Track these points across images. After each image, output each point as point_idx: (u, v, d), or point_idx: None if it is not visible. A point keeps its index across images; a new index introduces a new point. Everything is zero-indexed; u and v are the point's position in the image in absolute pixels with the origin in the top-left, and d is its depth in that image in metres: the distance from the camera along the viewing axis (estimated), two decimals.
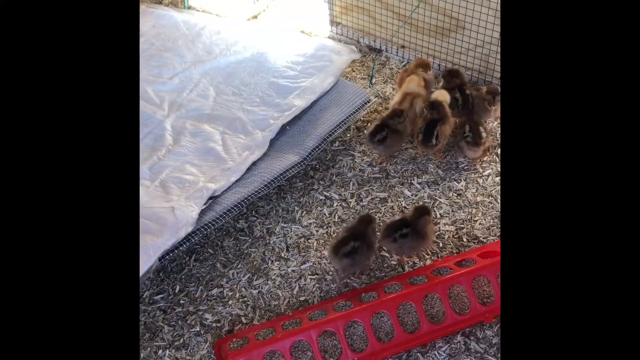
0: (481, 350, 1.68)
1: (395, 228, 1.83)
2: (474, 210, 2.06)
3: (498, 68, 2.48)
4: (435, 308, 1.76)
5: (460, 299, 1.77)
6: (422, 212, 1.84)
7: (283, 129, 2.25)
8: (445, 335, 1.71)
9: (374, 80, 2.59)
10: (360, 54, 2.75)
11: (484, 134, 2.14)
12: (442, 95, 2.23)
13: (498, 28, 2.36)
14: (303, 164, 2.13)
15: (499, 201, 2.08)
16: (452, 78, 2.30)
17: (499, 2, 2.27)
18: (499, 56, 2.44)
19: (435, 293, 1.72)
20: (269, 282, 1.90)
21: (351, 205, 2.12)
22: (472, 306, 1.70)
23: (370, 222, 1.85)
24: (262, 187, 2.00)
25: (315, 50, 2.51)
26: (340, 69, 2.44)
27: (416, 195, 2.13)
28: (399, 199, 2.13)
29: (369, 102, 2.35)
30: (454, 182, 2.17)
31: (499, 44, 2.40)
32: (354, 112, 2.30)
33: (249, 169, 2.07)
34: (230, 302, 1.85)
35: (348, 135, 2.40)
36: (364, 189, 2.18)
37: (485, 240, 1.96)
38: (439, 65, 2.63)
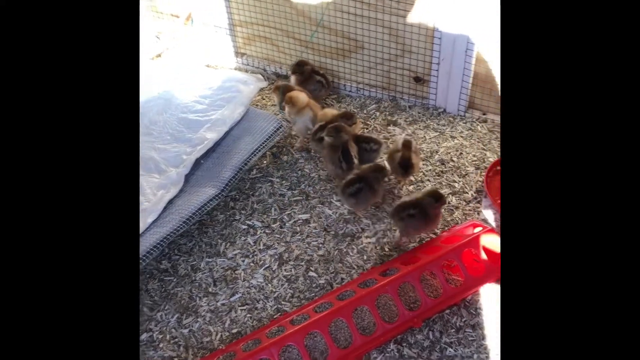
0: (414, 355, 1.73)
1: (404, 208, 1.93)
2: (392, 221, 2.13)
3: (399, 82, 2.60)
4: (365, 320, 1.79)
5: (389, 308, 1.82)
6: (433, 196, 1.94)
7: (197, 164, 2.24)
8: (379, 345, 1.74)
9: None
10: (267, 82, 2.80)
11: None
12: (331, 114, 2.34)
13: (395, 45, 2.48)
14: (221, 196, 2.13)
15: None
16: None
17: (392, 21, 2.39)
18: (398, 71, 2.56)
19: (363, 305, 1.76)
20: (198, 319, 1.87)
21: (275, 231, 2.13)
22: (400, 313, 1.75)
23: (380, 171, 2.08)
24: (182, 224, 1.98)
25: (223, 82, 2.53)
26: (249, 98, 2.46)
27: (337, 213, 2.18)
28: (320, 219, 2.16)
29: (281, 128, 2.39)
30: None
31: (397, 60, 2.52)
32: (268, 139, 2.32)
33: (166, 208, 2.04)
34: (161, 345, 1.80)
35: (265, 162, 2.42)
36: (286, 212, 2.20)
37: (406, 248, 2.03)
38: (344, 84, 2.72)
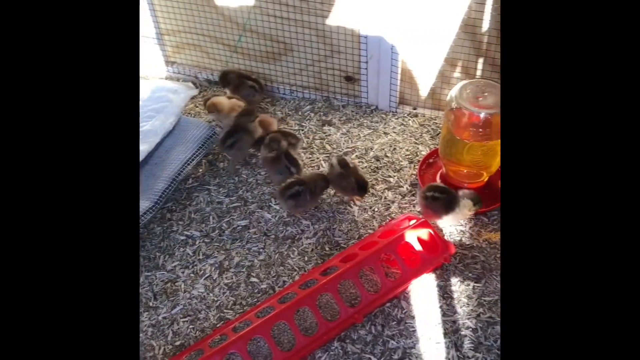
0: (358, 351, 1.75)
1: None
2: (331, 219, 2.15)
3: (331, 82, 2.63)
4: (308, 321, 1.81)
5: (330, 306, 1.83)
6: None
7: None
8: (323, 344, 1.76)
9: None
10: (198, 89, 2.77)
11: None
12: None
13: (323, 46, 2.51)
14: (156, 208, 2.09)
15: (352, 206, 2.19)
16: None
17: (318, 23, 2.42)
18: (329, 72, 2.59)
19: (305, 306, 1.77)
20: (140, 334, 1.84)
21: (214, 239, 2.12)
22: (341, 310, 1.77)
23: (324, 180, 2.14)
24: None
25: (152, 93, 2.48)
26: (180, 107, 2.43)
27: (276, 217, 2.18)
28: (260, 224, 2.16)
29: (214, 135, 2.37)
30: None
31: (326, 61, 2.55)
32: (201, 147, 2.30)
33: None
34: None
35: (200, 170, 2.40)
36: (225, 220, 2.19)
37: (345, 245, 2.05)
38: (278, 87, 2.73)
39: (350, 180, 2.09)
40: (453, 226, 2.07)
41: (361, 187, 2.10)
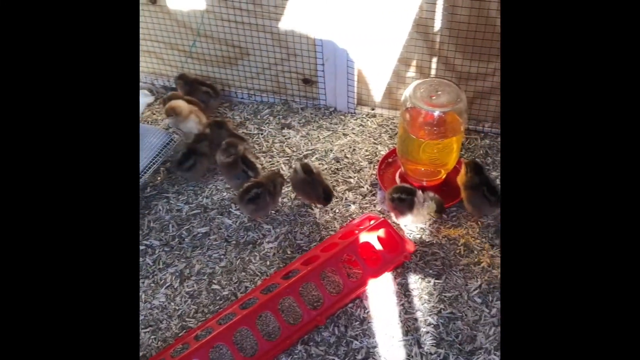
0: (322, 353, 1.75)
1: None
2: (292, 222, 2.15)
3: (289, 85, 2.63)
4: (270, 326, 1.80)
5: (293, 310, 1.83)
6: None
7: None
8: (286, 348, 1.75)
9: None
10: (155, 96, 2.73)
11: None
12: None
13: (279, 49, 2.50)
14: None
15: (313, 208, 2.19)
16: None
17: (272, 27, 2.41)
18: (286, 75, 2.59)
19: (266, 311, 1.76)
20: None
21: (174, 248, 2.09)
22: (304, 313, 1.77)
23: (279, 176, 2.14)
24: None
25: None
26: None
27: (237, 222, 2.17)
28: (220, 230, 2.14)
29: (171, 142, 2.34)
30: None
31: (283, 64, 2.55)
32: (158, 155, 2.27)
33: None
34: None
35: (158, 178, 2.37)
36: (185, 227, 2.16)
37: (307, 248, 2.05)
38: (235, 92, 2.71)
39: (317, 190, 2.08)
40: (413, 224, 2.09)
41: (327, 197, 2.09)
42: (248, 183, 2.07)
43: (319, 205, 2.19)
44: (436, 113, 1.98)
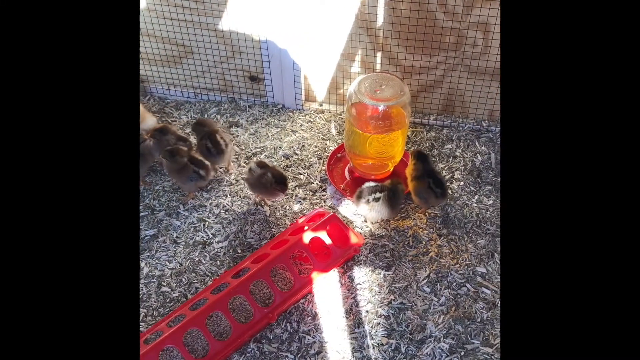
0: (275, 350, 1.75)
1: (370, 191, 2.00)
2: (242, 221, 2.13)
3: (236, 83, 2.61)
4: (221, 325, 1.78)
5: (244, 308, 1.82)
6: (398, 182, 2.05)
7: None
8: (239, 347, 1.74)
9: None
10: None
11: (223, 142, 2.22)
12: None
13: (224, 47, 2.48)
14: None
15: (263, 206, 2.18)
16: (200, 127, 2.31)
17: (216, 24, 2.39)
18: (232, 72, 2.57)
19: (217, 311, 1.74)
20: None
21: None
22: (255, 311, 1.76)
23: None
24: None
25: None
26: None
27: (185, 223, 2.14)
28: (169, 231, 2.11)
29: None
30: (220, 199, 2.22)
31: (229, 62, 2.53)
32: None
33: None
34: None
35: None
36: None
37: (258, 246, 2.04)
38: (181, 91, 2.67)
39: (267, 177, 2.06)
40: (361, 216, 2.11)
41: (280, 182, 2.07)
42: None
43: (267, 200, 2.18)
44: (381, 107, 2.00)
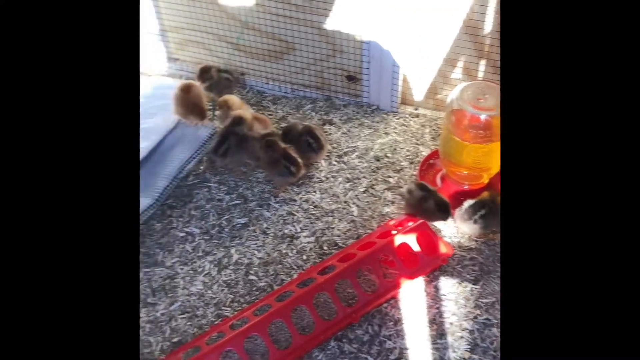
0: (355, 350, 1.76)
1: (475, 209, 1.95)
2: (330, 219, 2.16)
3: (333, 82, 2.63)
4: (305, 320, 1.81)
5: (327, 306, 1.84)
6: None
7: None
8: (320, 343, 1.76)
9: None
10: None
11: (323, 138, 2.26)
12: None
13: (325, 45, 2.51)
14: (157, 205, 2.10)
15: (351, 205, 2.20)
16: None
17: (320, 22, 2.42)
18: (331, 71, 2.59)
19: (302, 305, 1.77)
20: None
21: (213, 236, 2.13)
22: (338, 310, 1.78)
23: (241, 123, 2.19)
24: None
25: (154, 90, 2.49)
26: None
27: (275, 215, 2.19)
28: (259, 221, 2.17)
29: (215, 134, 2.37)
30: (310, 195, 2.26)
31: (328, 60, 2.55)
32: (202, 145, 2.31)
33: None
34: None
35: (201, 167, 2.41)
36: (224, 217, 2.19)
37: (343, 245, 2.06)
38: (280, 86, 2.73)
39: (430, 204, 1.97)
40: (452, 227, 2.07)
41: (444, 209, 1.97)
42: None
43: (437, 222, 2.08)
44: (483, 116, 1.95)
